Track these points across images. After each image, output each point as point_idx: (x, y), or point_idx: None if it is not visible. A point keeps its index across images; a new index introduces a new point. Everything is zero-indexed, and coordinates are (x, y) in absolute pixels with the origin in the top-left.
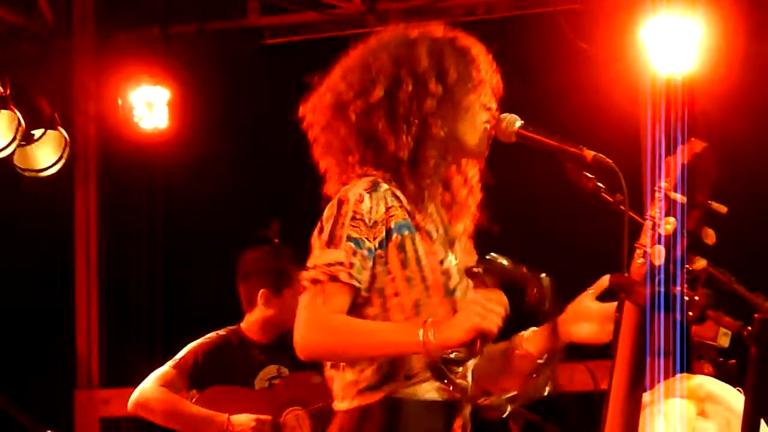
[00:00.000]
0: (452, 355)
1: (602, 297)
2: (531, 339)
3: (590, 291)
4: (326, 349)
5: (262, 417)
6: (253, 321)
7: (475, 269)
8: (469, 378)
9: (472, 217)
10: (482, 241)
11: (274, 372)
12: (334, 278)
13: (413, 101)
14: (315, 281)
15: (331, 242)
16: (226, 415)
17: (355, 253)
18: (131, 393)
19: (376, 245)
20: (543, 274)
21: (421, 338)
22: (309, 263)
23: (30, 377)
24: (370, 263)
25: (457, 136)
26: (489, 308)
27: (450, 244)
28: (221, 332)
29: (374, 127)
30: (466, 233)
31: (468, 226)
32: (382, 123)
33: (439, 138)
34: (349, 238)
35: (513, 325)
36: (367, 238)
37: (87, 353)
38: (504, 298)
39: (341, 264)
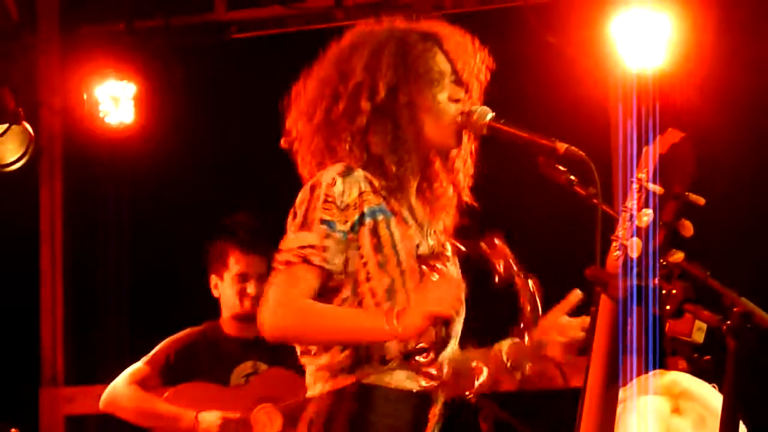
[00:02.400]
0: (417, 346)
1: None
2: (510, 352)
3: (560, 307)
4: (290, 330)
5: (230, 414)
6: (226, 315)
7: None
8: (445, 368)
9: (453, 214)
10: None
11: (249, 368)
12: (306, 260)
13: (346, 117)
14: (287, 263)
15: (304, 225)
16: (194, 412)
17: (328, 236)
18: (97, 391)
19: (348, 228)
20: (530, 281)
21: (386, 326)
22: (281, 246)
23: None
24: (344, 246)
25: (418, 134)
26: (444, 293)
27: (425, 234)
28: (197, 328)
29: (323, 140)
30: (447, 232)
31: (448, 224)
32: (326, 137)
33: (386, 145)
34: (322, 221)
35: (481, 306)
36: (339, 221)
37: (52, 351)
38: (461, 283)
39: (313, 247)
